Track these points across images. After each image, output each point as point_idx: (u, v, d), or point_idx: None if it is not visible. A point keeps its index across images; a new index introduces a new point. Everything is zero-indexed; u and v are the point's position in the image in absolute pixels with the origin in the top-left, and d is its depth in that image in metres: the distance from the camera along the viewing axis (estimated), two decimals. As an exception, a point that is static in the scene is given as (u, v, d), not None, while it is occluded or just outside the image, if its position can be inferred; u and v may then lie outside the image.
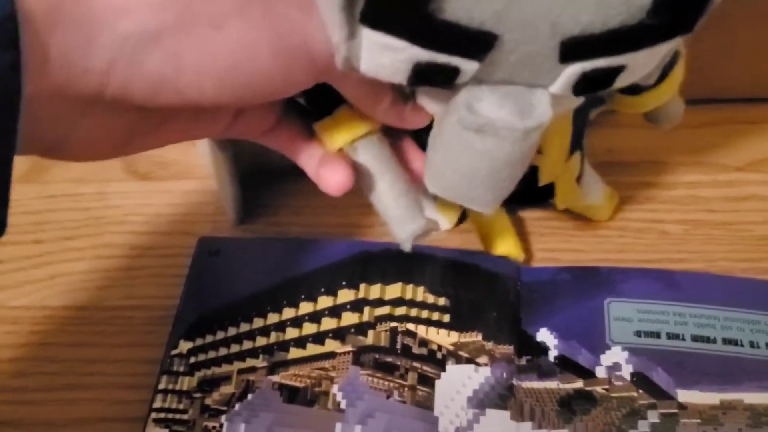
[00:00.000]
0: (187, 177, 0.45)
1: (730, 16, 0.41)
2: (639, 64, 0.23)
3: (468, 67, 0.22)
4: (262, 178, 0.43)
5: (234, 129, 0.29)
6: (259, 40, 0.23)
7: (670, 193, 0.43)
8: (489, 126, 0.24)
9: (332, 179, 0.29)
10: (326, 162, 0.29)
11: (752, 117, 0.46)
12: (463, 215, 0.42)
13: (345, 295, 0.38)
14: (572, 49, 0.21)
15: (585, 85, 0.23)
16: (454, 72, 0.23)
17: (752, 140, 0.45)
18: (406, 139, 0.32)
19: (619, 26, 0.21)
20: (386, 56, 0.22)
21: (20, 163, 0.21)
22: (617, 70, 0.23)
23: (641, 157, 0.45)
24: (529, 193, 0.39)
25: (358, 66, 0.24)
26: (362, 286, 0.38)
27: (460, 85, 0.24)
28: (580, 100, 0.28)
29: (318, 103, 0.30)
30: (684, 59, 0.35)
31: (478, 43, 0.21)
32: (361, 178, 0.30)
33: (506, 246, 0.40)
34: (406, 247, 0.30)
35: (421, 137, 0.36)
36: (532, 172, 0.37)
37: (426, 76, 0.23)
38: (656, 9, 0.20)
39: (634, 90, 0.35)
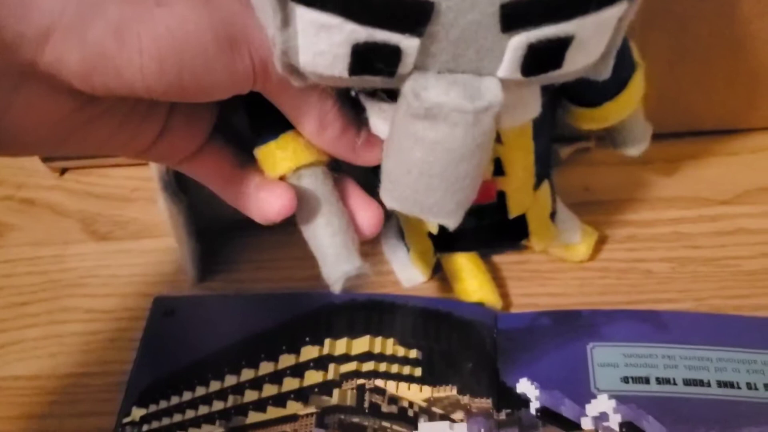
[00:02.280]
0: (147, 236, 0.43)
1: (704, 47, 0.41)
2: (588, 37, 0.22)
3: (408, 44, 0.21)
4: (221, 233, 0.42)
5: (158, 147, 0.27)
6: (203, 22, 0.22)
7: (652, 231, 0.41)
8: (437, 109, 0.22)
9: (274, 203, 0.27)
10: (266, 185, 0.28)
11: (732, 148, 0.44)
12: (437, 266, 0.40)
13: (308, 352, 0.35)
14: (514, 15, 0.20)
15: (533, 62, 0.22)
16: (395, 54, 0.21)
17: (735, 172, 0.43)
18: (349, 179, 0.30)
19: None
20: (323, 40, 0.21)
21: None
22: (565, 43, 0.21)
23: (619, 195, 0.43)
24: (502, 228, 0.37)
25: (297, 61, 0.22)
26: (327, 341, 0.36)
27: (405, 77, 0.23)
28: (536, 109, 0.26)
29: (261, 128, 0.28)
30: (642, 70, 0.33)
31: (415, 13, 0.20)
32: (298, 208, 0.28)
33: (482, 292, 0.38)
34: (336, 288, 0.28)
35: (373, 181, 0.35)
36: (501, 203, 0.35)
37: (367, 62, 0.22)
38: None
39: (592, 101, 0.33)
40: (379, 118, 0.27)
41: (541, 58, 0.22)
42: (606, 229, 0.41)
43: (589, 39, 0.22)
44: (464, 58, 0.22)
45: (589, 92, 0.33)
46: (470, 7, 0.20)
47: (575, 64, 0.23)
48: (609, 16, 0.21)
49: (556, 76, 0.23)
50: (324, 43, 0.21)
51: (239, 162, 0.29)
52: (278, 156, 0.28)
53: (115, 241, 0.44)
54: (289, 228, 0.31)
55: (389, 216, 0.41)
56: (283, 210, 0.27)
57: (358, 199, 0.30)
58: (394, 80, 0.23)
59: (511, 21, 0.20)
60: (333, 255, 0.28)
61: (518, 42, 0.21)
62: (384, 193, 0.26)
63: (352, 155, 0.28)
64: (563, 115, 0.35)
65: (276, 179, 0.28)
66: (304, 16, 0.21)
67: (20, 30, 0.21)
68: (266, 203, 0.27)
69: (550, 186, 0.37)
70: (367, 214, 0.30)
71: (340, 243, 0.28)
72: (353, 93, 0.27)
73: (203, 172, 0.29)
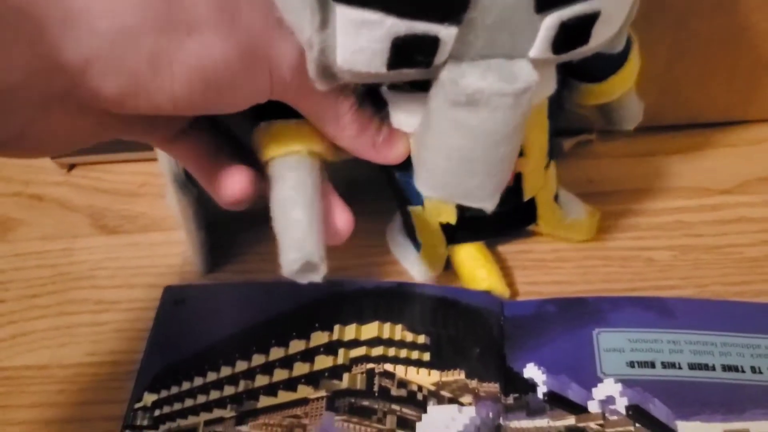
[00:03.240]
0: (155, 229, 0.44)
1: (704, 40, 0.41)
2: (612, 10, 0.23)
3: (447, 33, 0.22)
4: (230, 226, 0.42)
5: (144, 135, 0.28)
6: (230, 47, 0.24)
7: (654, 220, 0.42)
8: (479, 94, 0.23)
9: (232, 184, 0.28)
10: (228, 169, 0.28)
11: (732, 140, 0.45)
12: (447, 261, 0.40)
13: (318, 338, 0.36)
14: None
15: (564, 39, 0.23)
16: (433, 44, 0.22)
17: (735, 163, 0.44)
18: (328, 183, 0.31)
19: None
20: (363, 36, 0.22)
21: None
22: (593, 18, 0.22)
23: (622, 186, 0.43)
24: (514, 214, 0.38)
25: (334, 60, 0.23)
26: (336, 327, 0.36)
27: (439, 67, 0.23)
28: (553, 86, 0.27)
29: (279, 109, 0.29)
30: (638, 45, 0.35)
31: (453, 2, 0.21)
32: (282, 188, 0.28)
33: (490, 281, 0.38)
34: (289, 270, 0.27)
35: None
36: (517, 186, 0.36)
37: (406, 55, 0.22)
38: None
39: (599, 76, 0.34)
40: (402, 110, 0.28)
41: (571, 35, 0.23)
42: (609, 219, 0.42)
43: (613, 12, 0.23)
44: (498, 42, 0.23)
45: (597, 68, 0.34)
46: None
47: (599, 38, 0.24)
48: None
49: (581, 52, 0.24)
50: (364, 40, 0.22)
51: (218, 150, 0.30)
52: (294, 136, 0.28)
53: (123, 234, 0.44)
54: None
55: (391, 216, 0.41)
56: (238, 192, 0.28)
57: (336, 200, 0.30)
58: (430, 71, 0.24)
59: (545, 1, 0.21)
60: (302, 233, 0.27)
61: (551, 21, 0.22)
62: (421, 183, 0.27)
63: (372, 153, 0.29)
64: (569, 96, 0.35)
65: (240, 165, 0.29)
66: (345, 14, 0.21)
67: (60, 61, 0.22)
68: (222, 185, 0.28)
69: (555, 168, 0.38)
70: (344, 216, 0.30)
71: (316, 229, 0.28)
72: (384, 87, 0.28)
73: (182, 154, 0.30)
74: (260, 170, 0.29)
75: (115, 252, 0.43)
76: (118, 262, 0.42)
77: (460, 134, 0.24)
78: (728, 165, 0.44)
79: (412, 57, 0.23)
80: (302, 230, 0.28)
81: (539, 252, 0.41)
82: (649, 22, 0.40)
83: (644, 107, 0.38)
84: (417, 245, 0.40)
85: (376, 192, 0.39)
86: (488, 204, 0.27)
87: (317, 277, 0.28)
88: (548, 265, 0.40)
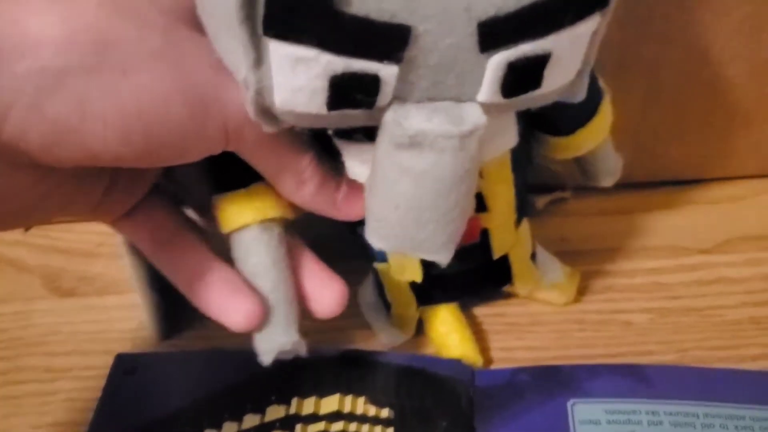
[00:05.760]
0: (112, 292, 0.42)
1: (678, 95, 0.41)
2: (564, 53, 0.22)
3: (387, 72, 0.21)
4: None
5: (100, 208, 0.27)
6: (171, 88, 0.22)
7: (630, 281, 0.40)
8: (422, 136, 0.22)
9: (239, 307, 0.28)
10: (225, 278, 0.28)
11: (711, 197, 0.44)
12: (419, 325, 0.39)
13: (274, 412, 0.33)
14: (491, 33, 0.20)
15: (513, 81, 0.22)
16: (374, 83, 0.21)
17: (714, 221, 0.43)
18: (307, 251, 0.30)
19: (533, 1, 0.20)
20: (300, 74, 0.21)
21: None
22: (543, 60, 0.21)
23: (596, 245, 0.42)
24: (486, 273, 0.37)
25: (273, 101, 0.22)
26: (294, 400, 0.34)
27: (385, 110, 0.22)
28: (514, 138, 0.26)
29: (228, 176, 0.28)
30: (609, 96, 0.34)
31: (391, 39, 0.20)
32: (248, 267, 0.28)
33: (463, 347, 0.36)
34: (266, 359, 0.28)
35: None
36: (485, 243, 0.35)
37: (346, 94, 0.21)
38: None
39: (566, 129, 0.33)
40: (356, 160, 0.27)
41: (520, 78, 0.22)
42: (583, 280, 0.40)
43: (566, 55, 0.22)
44: (444, 85, 0.22)
45: (563, 121, 0.33)
46: (448, 30, 0.20)
47: (554, 82, 0.22)
48: (583, 31, 0.21)
49: (536, 97, 0.23)
50: (301, 78, 0.21)
51: (176, 225, 0.29)
52: (245, 207, 0.27)
53: (79, 297, 0.42)
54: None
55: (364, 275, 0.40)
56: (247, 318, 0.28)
57: (317, 274, 0.29)
58: (374, 113, 0.23)
59: (489, 40, 0.20)
60: (271, 324, 0.28)
61: (497, 62, 0.21)
62: (370, 233, 0.25)
63: (333, 210, 0.28)
64: (537, 149, 0.35)
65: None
66: (279, 50, 0.20)
67: None
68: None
69: (529, 227, 0.36)
70: (327, 293, 0.29)
71: (282, 313, 0.28)
72: (330, 132, 0.27)
73: (137, 232, 0.29)
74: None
75: (70, 316, 0.41)
76: (72, 326, 0.41)
77: (405, 180, 0.23)
78: (707, 223, 0.43)
79: (353, 96, 0.22)
80: (268, 322, 0.28)
81: (513, 315, 0.39)
82: (621, 72, 0.39)
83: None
84: (387, 306, 0.38)
85: (346, 249, 0.38)
86: (441, 257, 0.25)
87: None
88: (522, 329, 0.39)
